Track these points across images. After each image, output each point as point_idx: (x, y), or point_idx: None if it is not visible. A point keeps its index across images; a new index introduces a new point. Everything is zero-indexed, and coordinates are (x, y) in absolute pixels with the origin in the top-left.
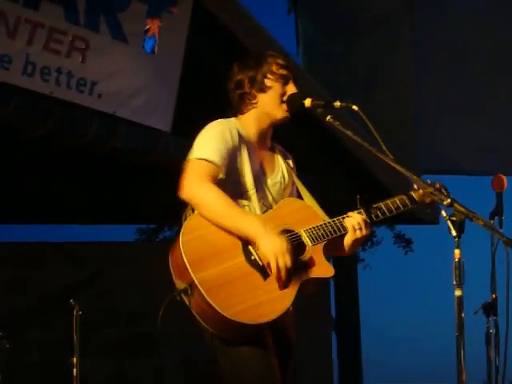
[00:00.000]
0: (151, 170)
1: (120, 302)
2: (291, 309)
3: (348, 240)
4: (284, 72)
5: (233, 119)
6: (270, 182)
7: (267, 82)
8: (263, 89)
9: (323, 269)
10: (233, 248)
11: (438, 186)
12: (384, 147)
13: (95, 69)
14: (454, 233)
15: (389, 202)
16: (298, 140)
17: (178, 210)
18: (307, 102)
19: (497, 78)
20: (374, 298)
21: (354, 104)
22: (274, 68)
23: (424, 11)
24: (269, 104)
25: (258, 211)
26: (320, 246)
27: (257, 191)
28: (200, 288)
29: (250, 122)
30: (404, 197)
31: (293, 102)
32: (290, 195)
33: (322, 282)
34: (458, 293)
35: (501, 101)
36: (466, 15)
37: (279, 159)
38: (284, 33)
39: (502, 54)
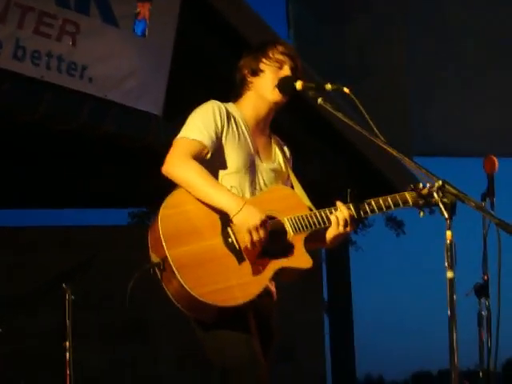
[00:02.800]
0: (143, 154)
1: (114, 286)
2: (275, 299)
3: (330, 234)
4: (279, 57)
5: (229, 103)
6: (264, 166)
7: (261, 66)
8: (256, 72)
9: (301, 259)
10: (211, 228)
11: (433, 189)
12: (376, 130)
13: (86, 52)
14: (445, 214)
15: (380, 199)
16: (294, 126)
17: (170, 193)
18: (298, 85)
19: (492, 65)
20: (366, 281)
21: (345, 86)
22: (270, 53)
23: None
24: (262, 87)
25: (248, 194)
26: (302, 236)
27: (248, 174)
28: (172, 264)
29: (247, 106)
30: (397, 196)
31: (284, 86)
32: (284, 184)
33: (300, 272)
34: (449, 275)
35: (491, 84)
36: (458, 2)
37: (276, 148)
38: (275, 16)
39: (492, 40)
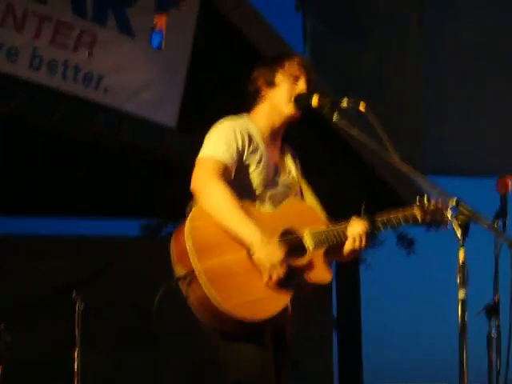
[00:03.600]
0: (156, 165)
1: (123, 297)
2: (290, 311)
3: (347, 248)
4: (295, 70)
5: (244, 116)
6: (280, 180)
7: (277, 78)
8: (272, 84)
9: (321, 274)
10: (236, 241)
11: (440, 204)
12: (390, 147)
13: (102, 63)
14: (458, 234)
15: (392, 216)
16: (305, 139)
17: (183, 204)
18: (314, 101)
19: (504, 79)
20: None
21: (362, 102)
22: (287, 65)
23: (433, 11)
24: (277, 99)
25: (268, 210)
26: (321, 251)
27: (267, 190)
28: (200, 277)
29: (261, 118)
30: (407, 213)
31: (300, 101)
32: (296, 195)
33: (320, 286)
34: (461, 294)
35: (507, 102)
36: (474, 16)
37: (289, 158)
38: (291, 31)
39: (508, 60)
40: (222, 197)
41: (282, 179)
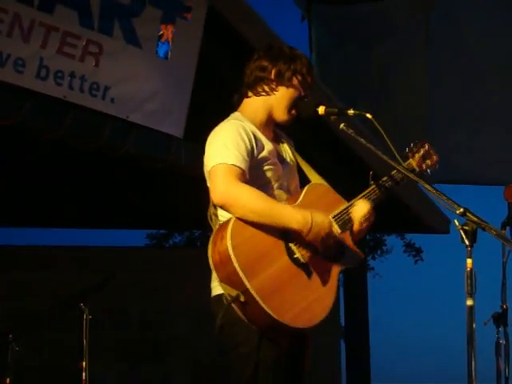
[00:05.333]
0: (162, 176)
1: (130, 307)
2: None
3: (355, 230)
4: (309, 80)
5: (237, 114)
6: (283, 166)
7: (294, 80)
8: (288, 84)
9: (355, 255)
10: (276, 248)
11: (426, 147)
12: (397, 156)
13: (108, 73)
14: (466, 242)
15: (394, 173)
16: (313, 148)
17: (189, 215)
18: (321, 110)
19: (510, 90)
20: (384, 307)
21: (368, 112)
22: (304, 71)
23: (437, 23)
24: (285, 99)
25: (283, 199)
26: (348, 232)
27: (278, 181)
28: (255, 297)
29: (258, 107)
30: (406, 167)
31: (306, 109)
32: (295, 176)
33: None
34: (469, 302)
35: None
36: (480, 27)
37: (284, 142)
38: (297, 40)
39: None
40: (251, 197)
41: (284, 164)
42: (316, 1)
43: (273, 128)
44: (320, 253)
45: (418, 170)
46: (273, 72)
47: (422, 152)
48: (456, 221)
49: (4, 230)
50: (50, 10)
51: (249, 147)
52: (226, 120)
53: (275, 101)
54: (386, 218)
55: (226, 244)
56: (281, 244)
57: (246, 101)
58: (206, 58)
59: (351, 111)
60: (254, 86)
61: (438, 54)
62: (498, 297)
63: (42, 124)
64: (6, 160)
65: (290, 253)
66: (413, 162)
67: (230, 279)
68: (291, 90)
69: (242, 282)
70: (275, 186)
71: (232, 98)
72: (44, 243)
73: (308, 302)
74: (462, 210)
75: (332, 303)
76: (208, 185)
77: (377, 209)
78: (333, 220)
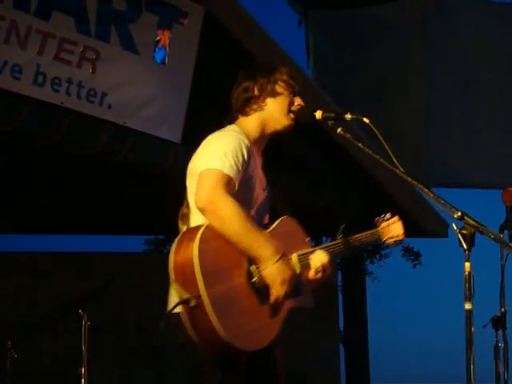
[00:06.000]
0: (160, 181)
1: (128, 313)
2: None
3: (310, 277)
4: (294, 82)
5: (233, 127)
6: (264, 191)
7: (278, 88)
8: (273, 94)
9: (306, 299)
10: (238, 266)
11: (396, 220)
12: (395, 160)
13: (105, 79)
14: (464, 246)
15: (363, 236)
16: (311, 153)
17: None
18: (318, 115)
19: (509, 92)
20: (383, 311)
21: (365, 116)
22: (285, 77)
23: (436, 24)
24: (277, 109)
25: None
26: (306, 274)
27: (257, 203)
28: (208, 304)
29: (252, 126)
30: (374, 233)
31: (303, 114)
32: (268, 205)
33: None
34: (467, 306)
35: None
36: (478, 29)
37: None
38: (294, 45)
39: None
40: (233, 212)
41: (266, 192)
42: (313, 5)
43: (261, 154)
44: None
45: (383, 240)
46: (255, 89)
47: (390, 224)
48: (454, 225)
49: (2, 237)
50: (46, 17)
51: (246, 162)
52: (224, 129)
53: (267, 114)
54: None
55: (194, 246)
56: (243, 264)
57: (239, 120)
58: (203, 63)
59: (349, 116)
60: (243, 108)
61: (436, 56)
62: (497, 300)
63: (39, 130)
64: (4, 165)
65: (249, 276)
66: (380, 231)
67: (186, 282)
68: (279, 98)
69: (199, 287)
70: (254, 207)
71: (229, 103)
72: (42, 250)
73: (252, 327)
74: (459, 213)
75: (274, 336)
76: (187, 184)
77: (374, 213)
78: (297, 259)
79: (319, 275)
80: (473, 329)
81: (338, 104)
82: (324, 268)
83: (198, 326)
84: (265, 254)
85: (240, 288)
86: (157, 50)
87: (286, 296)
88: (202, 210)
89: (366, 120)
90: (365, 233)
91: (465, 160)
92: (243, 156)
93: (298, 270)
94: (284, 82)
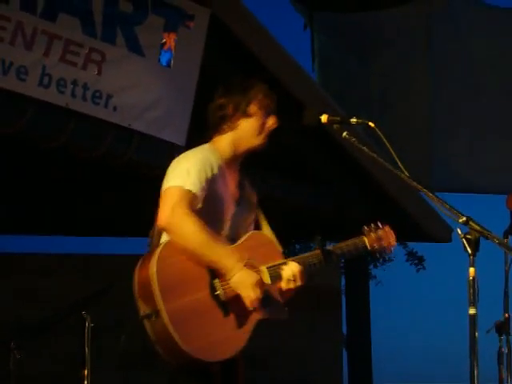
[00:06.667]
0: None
1: (131, 315)
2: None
3: (282, 288)
4: (268, 103)
5: (207, 146)
6: (238, 209)
7: (251, 109)
8: (247, 114)
9: (278, 310)
10: (200, 280)
11: (386, 229)
12: (400, 164)
13: (111, 81)
14: (469, 251)
15: (344, 246)
16: (315, 157)
17: None
18: (324, 118)
19: (510, 99)
20: (386, 315)
21: (370, 120)
22: (260, 96)
23: (440, 28)
24: (249, 130)
25: (226, 239)
26: (278, 285)
27: (227, 219)
28: (165, 318)
29: (225, 145)
30: (357, 241)
31: (309, 118)
32: (251, 223)
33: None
34: (471, 311)
35: None
36: (481, 32)
37: (247, 186)
38: (299, 48)
39: None
40: (194, 227)
41: (241, 208)
42: (318, 9)
43: (238, 171)
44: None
45: (369, 248)
46: (230, 107)
47: (379, 233)
48: (459, 229)
49: (4, 238)
50: (52, 18)
51: (209, 177)
52: (195, 148)
53: (240, 133)
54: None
55: (152, 263)
56: (206, 278)
57: (214, 138)
58: (208, 66)
59: (354, 120)
60: (218, 126)
61: (441, 61)
62: (501, 305)
63: (43, 132)
64: (8, 167)
65: (213, 289)
66: (366, 240)
67: (146, 297)
68: (251, 120)
69: (157, 303)
70: (224, 223)
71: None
72: (46, 251)
73: (217, 338)
74: (464, 218)
75: (242, 347)
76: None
77: (379, 218)
78: (266, 270)
79: (291, 285)
80: (477, 334)
81: (342, 107)
82: (295, 278)
83: (160, 338)
84: (227, 265)
85: (202, 301)
86: (162, 52)
87: (259, 302)
88: (163, 229)
89: (371, 124)
90: (346, 242)
91: (468, 165)
92: (206, 171)
93: (267, 280)
94: (258, 102)
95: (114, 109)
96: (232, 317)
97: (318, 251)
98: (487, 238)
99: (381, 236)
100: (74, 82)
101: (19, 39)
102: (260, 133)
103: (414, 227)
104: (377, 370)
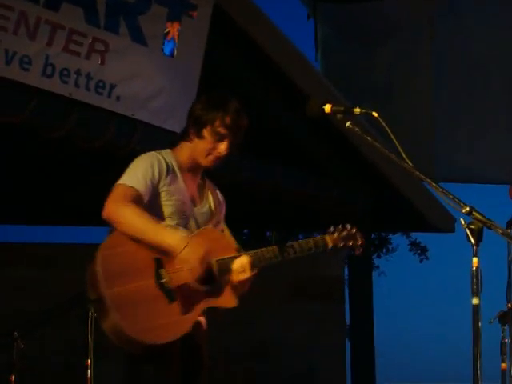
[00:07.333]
0: None
1: None
2: (204, 328)
3: (233, 281)
4: (222, 131)
5: (167, 151)
6: (197, 210)
7: (204, 132)
8: (199, 135)
9: (227, 299)
10: (146, 269)
11: (354, 230)
12: (403, 154)
13: (114, 71)
14: (472, 241)
15: (302, 243)
16: (318, 147)
17: None
18: (327, 108)
19: None
20: (389, 306)
21: (374, 110)
22: (216, 123)
23: (445, 22)
24: (197, 150)
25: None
26: (227, 277)
27: (183, 219)
28: (107, 303)
29: (184, 155)
30: (317, 239)
31: (313, 108)
32: (208, 223)
33: (225, 310)
34: (475, 301)
35: None
36: (485, 28)
37: (209, 192)
38: (303, 39)
39: None
40: (135, 214)
41: (200, 210)
42: None
43: (201, 176)
44: (191, 282)
45: (330, 247)
46: (190, 121)
47: (344, 233)
48: (462, 219)
49: (5, 228)
50: (55, 8)
51: (156, 176)
52: (153, 151)
53: (193, 149)
54: (391, 216)
55: (98, 253)
56: (151, 267)
57: (179, 144)
58: (211, 56)
59: (357, 110)
60: (182, 133)
61: (444, 53)
62: (504, 295)
63: (47, 122)
64: (11, 157)
65: (159, 277)
66: (327, 238)
67: (93, 285)
68: (202, 142)
69: (100, 289)
70: (176, 221)
71: (238, 96)
72: (49, 241)
73: (160, 322)
74: (468, 208)
75: (185, 332)
76: None
77: (382, 208)
78: (215, 263)
79: (240, 277)
80: (480, 324)
81: (345, 98)
82: (244, 269)
83: (107, 324)
84: (171, 244)
85: (147, 288)
86: (166, 42)
87: (204, 292)
88: (106, 220)
89: (374, 114)
90: (308, 239)
91: (472, 155)
92: (153, 170)
93: (217, 273)
94: (212, 127)
95: (118, 98)
96: (177, 304)
97: (274, 246)
98: (490, 228)
99: (345, 236)
100: (78, 72)
101: (22, 29)
102: (207, 156)
103: (417, 217)
104: (380, 360)
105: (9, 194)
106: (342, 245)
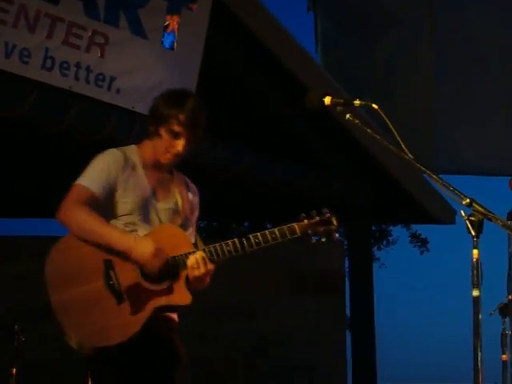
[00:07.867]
0: None
1: None
2: (175, 321)
3: (189, 276)
4: (177, 129)
5: (132, 146)
6: (160, 206)
7: (160, 130)
8: (156, 134)
9: (180, 296)
10: (95, 272)
11: (327, 215)
12: (403, 146)
13: (114, 64)
14: (472, 232)
15: (267, 232)
16: (319, 140)
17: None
18: (327, 100)
19: None
20: (389, 298)
21: (374, 103)
22: (172, 122)
23: (445, 13)
24: (156, 147)
25: (142, 233)
26: (183, 273)
27: (143, 214)
28: (54, 310)
29: (147, 151)
30: (285, 227)
31: (312, 100)
32: (182, 224)
33: (180, 307)
34: (475, 293)
35: None
36: (487, 19)
37: (176, 188)
38: (303, 31)
39: None
40: (84, 216)
41: (163, 206)
42: None
43: (170, 173)
44: (141, 281)
45: (300, 234)
46: (150, 119)
47: (316, 219)
48: (462, 211)
49: (6, 221)
50: (55, 1)
51: (112, 174)
52: (112, 148)
53: (154, 145)
54: (391, 209)
55: (48, 257)
56: (100, 269)
57: (145, 140)
58: (211, 49)
59: (357, 102)
60: (148, 130)
61: (445, 44)
62: (504, 287)
63: (47, 115)
64: (11, 151)
65: (108, 278)
66: (295, 225)
67: (45, 289)
68: (159, 140)
69: (48, 295)
70: (137, 218)
71: (238, 88)
72: (50, 234)
73: (108, 324)
74: (468, 200)
75: (135, 333)
76: None
77: (382, 200)
78: (170, 260)
79: (195, 273)
80: (480, 316)
81: (346, 90)
82: (198, 266)
83: (61, 330)
84: (122, 245)
85: (95, 291)
86: (165, 35)
87: (147, 288)
88: (61, 222)
89: (374, 106)
90: (274, 229)
91: (472, 147)
92: (109, 170)
93: (169, 268)
94: (167, 125)
95: (118, 91)
96: (126, 304)
97: (235, 239)
98: (491, 220)
99: (317, 222)
100: (78, 65)
101: (22, 22)
102: (165, 153)
103: (417, 209)
104: (380, 351)
105: (9, 188)
106: (312, 231)
